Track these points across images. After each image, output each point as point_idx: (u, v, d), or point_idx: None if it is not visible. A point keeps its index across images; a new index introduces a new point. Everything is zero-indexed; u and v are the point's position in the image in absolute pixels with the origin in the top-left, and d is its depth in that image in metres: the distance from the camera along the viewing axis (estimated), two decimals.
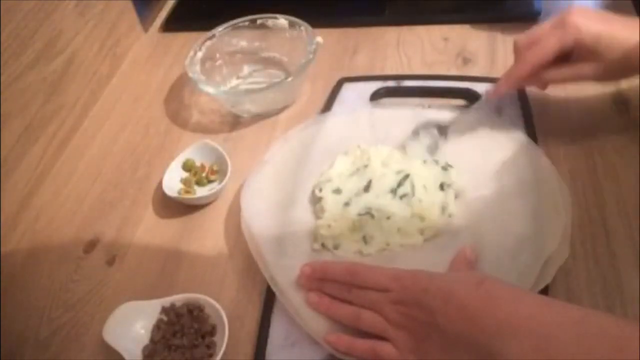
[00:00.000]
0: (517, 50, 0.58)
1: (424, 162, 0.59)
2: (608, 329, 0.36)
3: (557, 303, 0.41)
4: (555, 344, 0.36)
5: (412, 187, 0.56)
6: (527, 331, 0.37)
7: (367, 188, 0.57)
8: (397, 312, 0.45)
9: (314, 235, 0.55)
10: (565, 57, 0.55)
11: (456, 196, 0.56)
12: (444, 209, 0.55)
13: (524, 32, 0.58)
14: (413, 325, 0.44)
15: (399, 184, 0.57)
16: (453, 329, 0.41)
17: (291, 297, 0.50)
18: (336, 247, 0.54)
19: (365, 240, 0.54)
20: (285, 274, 0.52)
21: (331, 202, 0.57)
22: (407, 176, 0.57)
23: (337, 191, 0.58)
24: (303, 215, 0.58)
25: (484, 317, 0.39)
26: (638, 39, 0.52)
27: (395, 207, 0.55)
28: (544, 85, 0.60)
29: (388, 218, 0.54)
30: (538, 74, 0.57)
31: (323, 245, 0.54)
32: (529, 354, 0.36)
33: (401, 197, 0.56)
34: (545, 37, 0.55)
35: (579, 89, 0.67)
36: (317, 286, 0.50)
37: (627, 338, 0.35)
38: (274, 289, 0.52)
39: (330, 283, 0.49)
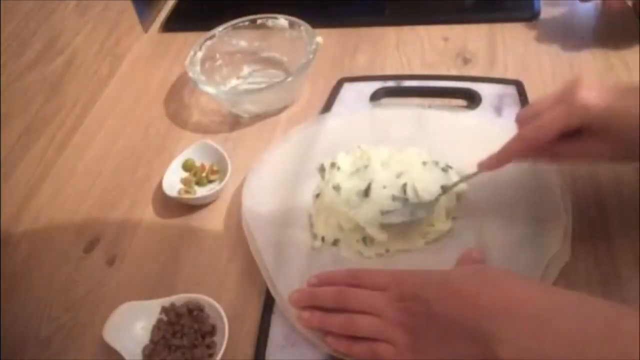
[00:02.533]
0: (518, 124, 0.50)
1: (424, 163, 0.59)
2: (605, 311, 0.36)
3: (553, 289, 0.41)
4: (552, 327, 0.36)
5: (415, 190, 0.56)
6: (524, 314, 0.37)
7: (366, 192, 0.56)
8: (395, 309, 0.45)
9: (314, 234, 0.55)
10: (575, 131, 0.46)
11: (457, 198, 0.56)
12: (448, 212, 0.55)
13: (523, 30, 0.56)
14: (410, 320, 0.44)
15: (402, 191, 0.57)
16: (449, 315, 0.41)
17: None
18: (336, 243, 0.54)
19: (365, 242, 0.54)
20: (284, 280, 0.52)
21: (330, 197, 0.57)
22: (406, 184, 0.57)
23: (337, 188, 0.58)
24: (303, 216, 0.58)
25: (479, 301, 0.39)
26: None
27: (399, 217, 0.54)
28: (550, 161, 0.52)
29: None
30: (544, 149, 0.48)
31: (323, 240, 0.54)
32: (525, 337, 0.36)
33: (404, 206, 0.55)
34: (548, 114, 0.46)
35: None
36: (309, 302, 0.50)
37: (623, 321, 0.34)
38: (273, 293, 0.52)
39: (322, 295, 0.49)
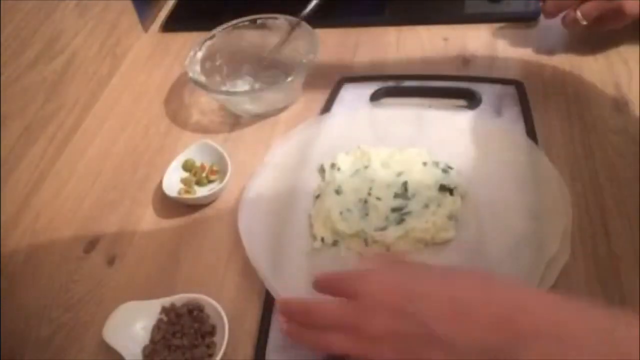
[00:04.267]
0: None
1: (424, 164, 0.59)
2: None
3: (580, 305, 0.36)
4: (575, 347, 0.32)
5: (414, 194, 0.56)
6: (561, 337, 0.33)
7: (364, 207, 0.56)
8: (372, 324, 0.37)
9: (313, 235, 0.55)
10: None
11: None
12: (451, 216, 0.54)
13: (523, 30, 0.57)
14: (399, 340, 0.36)
15: (403, 188, 0.56)
16: (460, 339, 0.34)
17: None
18: (335, 244, 0.54)
19: (366, 242, 0.54)
20: (284, 280, 0.52)
21: (331, 202, 0.57)
22: (407, 192, 0.56)
23: (338, 191, 0.58)
24: (303, 215, 0.58)
25: (509, 324, 0.34)
26: None
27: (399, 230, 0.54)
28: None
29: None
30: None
31: (323, 240, 0.54)
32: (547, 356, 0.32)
33: (403, 219, 0.55)
34: None
35: (579, 89, 0.67)
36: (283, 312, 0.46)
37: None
38: (273, 294, 0.52)
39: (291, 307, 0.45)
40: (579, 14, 0.67)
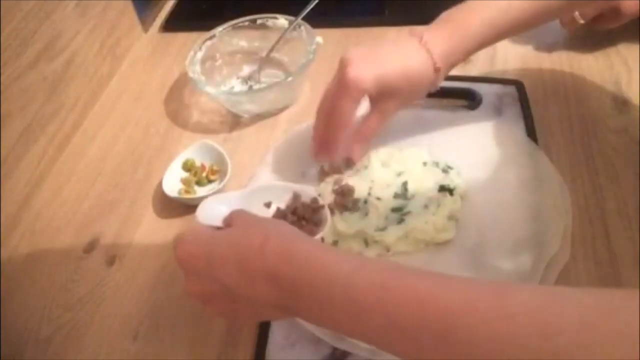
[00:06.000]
0: (319, 117, 0.57)
1: (424, 164, 0.59)
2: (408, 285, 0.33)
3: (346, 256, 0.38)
4: (348, 315, 0.34)
5: (414, 194, 0.56)
6: (322, 289, 0.35)
7: (364, 207, 0.56)
8: (188, 286, 0.42)
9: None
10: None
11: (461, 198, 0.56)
12: (451, 216, 0.54)
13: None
14: (212, 298, 0.42)
15: (403, 188, 0.56)
16: (251, 295, 0.38)
17: None
18: (335, 244, 0.54)
19: (366, 242, 0.54)
20: None
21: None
22: (407, 192, 0.56)
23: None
24: None
25: (281, 281, 0.37)
26: (414, 63, 0.53)
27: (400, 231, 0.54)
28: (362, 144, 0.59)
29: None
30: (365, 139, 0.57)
31: (322, 240, 0.54)
32: (322, 318, 0.36)
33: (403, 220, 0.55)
34: (338, 106, 0.54)
35: (579, 89, 0.67)
36: None
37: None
38: None
39: None
40: (576, 13, 0.67)
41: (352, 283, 0.34)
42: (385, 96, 0.55)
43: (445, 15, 0.56)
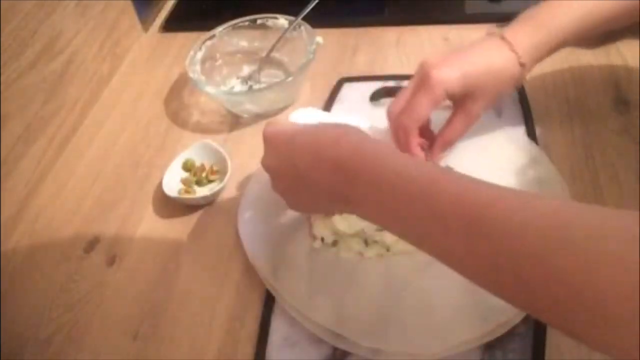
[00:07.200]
0: (391, 118, 0.56)
1: None
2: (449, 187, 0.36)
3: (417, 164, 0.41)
4: (397, 201, 0.38)
5: None
6: (381, 181, 0.39)
7: None
8: (265, 161, 0.49)
9: (313, 235, 0.55)
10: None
11: None
12: None
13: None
14: (281, 175, 0.48)
15: None
16: (314, 178, 0.43)
17: (289, 299, 0.51)
18: (335, 244, 0.54)
19: (366, 242, 0.54)
20: (284, 280, 0.52)
21: None
22: None
23: None
24: (303, 215, 0.58)
25: (342, 166, 0.40)
26: (497, 59, 0.53)
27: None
28: (445, 147, 0.58)
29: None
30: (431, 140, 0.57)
31: (322, 240, 0.54)
32: (373, 205, 0.40)
33: None
34: (415, 101, 0.53)
35: (580, 88, 0.67)
36: None
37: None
38: (273, 293, 0.52)
39: None
40: None
41: (406, 173, 0.38)
42: (470, 97, 0.53)
43: (526, 13, 0.55)
